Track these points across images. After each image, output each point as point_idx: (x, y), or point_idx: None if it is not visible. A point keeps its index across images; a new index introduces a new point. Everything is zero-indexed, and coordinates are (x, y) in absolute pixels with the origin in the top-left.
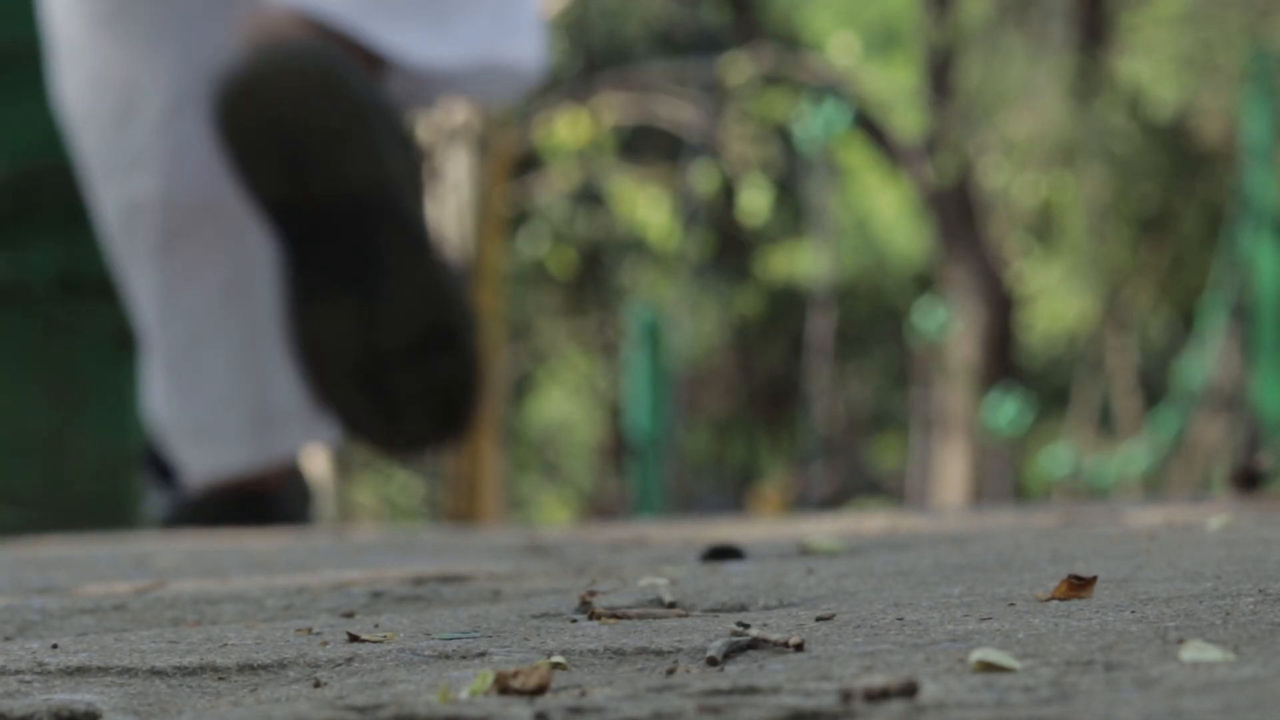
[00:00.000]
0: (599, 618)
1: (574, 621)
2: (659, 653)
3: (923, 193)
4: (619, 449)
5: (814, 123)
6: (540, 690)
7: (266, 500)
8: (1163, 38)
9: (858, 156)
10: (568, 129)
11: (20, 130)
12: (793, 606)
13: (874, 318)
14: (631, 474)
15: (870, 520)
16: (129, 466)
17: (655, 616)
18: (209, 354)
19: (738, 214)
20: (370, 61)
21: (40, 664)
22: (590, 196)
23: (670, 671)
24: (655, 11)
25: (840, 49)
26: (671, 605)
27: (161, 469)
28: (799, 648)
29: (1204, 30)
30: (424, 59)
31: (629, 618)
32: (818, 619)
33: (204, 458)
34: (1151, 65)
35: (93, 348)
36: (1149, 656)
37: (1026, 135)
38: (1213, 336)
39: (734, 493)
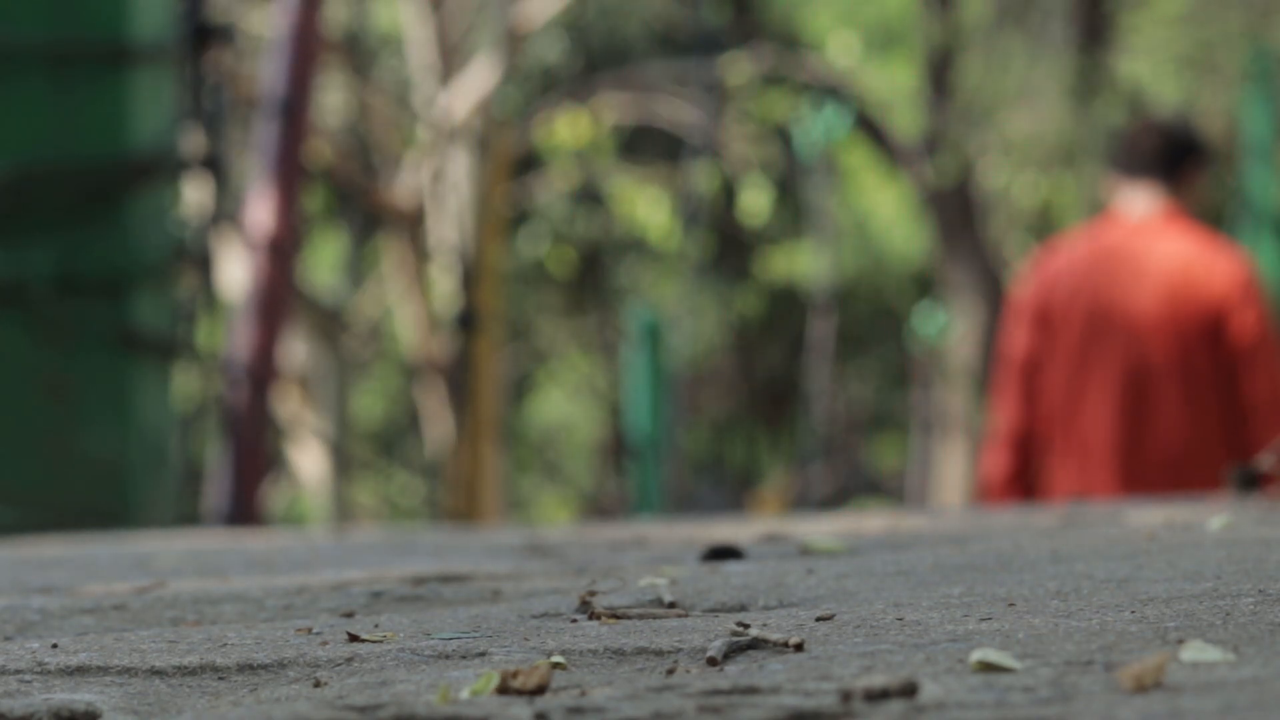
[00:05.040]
0: (599, 618)
1: (574, 621)
2: (659, 653)
3: (923, 193)
4: (619, 449)
5: (814, 127)
6: (540, 690)
7: None
8: (1163, 38)
9: (857, 156)
10: (568, 129)
11: (20, 130)
12: (793, 606)
13: (874, 318)
14: (631, 474)
15: (870, 520)
16: (129, 466)
17: (655, 616)
18: None
19: (738, 214)
20: None
21: (40, 664)
22: (590, 196)
23: (670, 671)
24: (655, 11)
25: (840, 49)
26: (671, 605)
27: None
28: (799, 648)
29: (1204, 30)
30: None
31: (629, 618)
32: (818, 619)
33: None
34: (1151, 65)
35: (93, 348)
36: (1149, 656)
37: (1026, 135)
38: None
39: (734, 493)
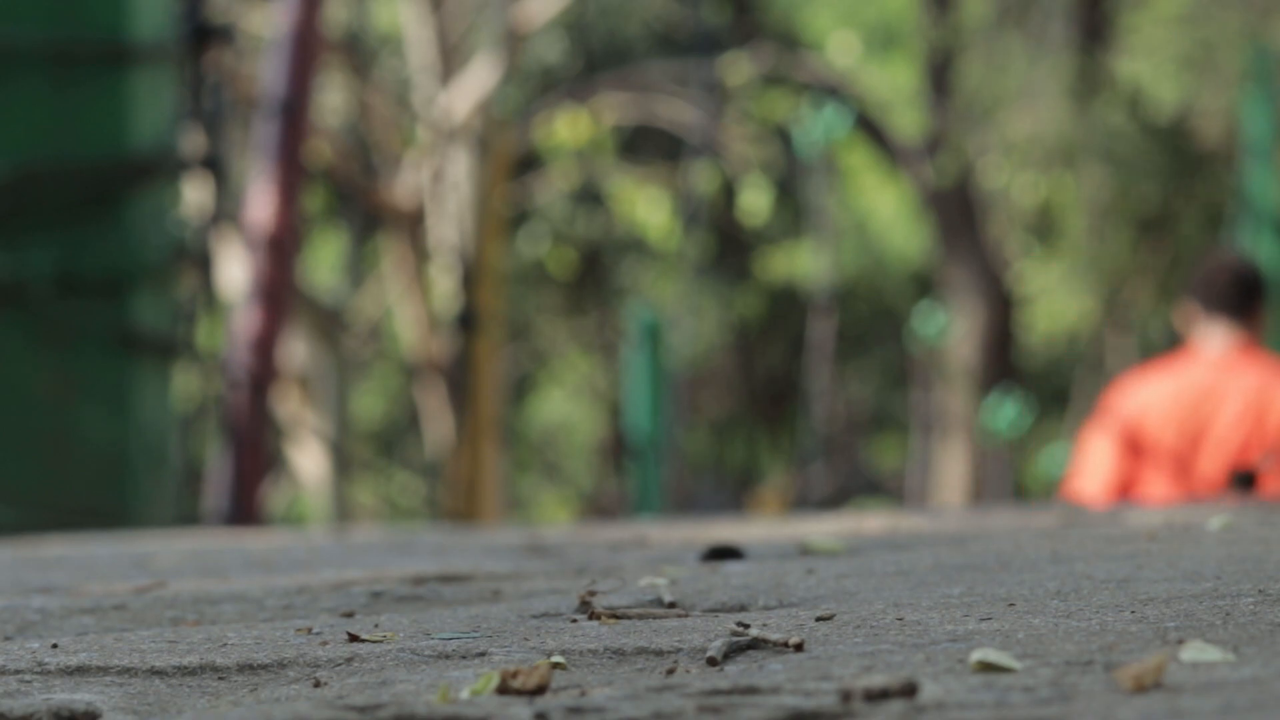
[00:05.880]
0: (599, 618)
1: (574, 621)
2: (659, 653)
3: (923, 193)
4: (619, 449)
5: (814, 127)
6: (540, 690)
7: None
8: (1163, 38)
9: (857, 156)
10: (568, 129)
11: (20, 130)
12: (793, 606)
13: (874, 318)
14: (631, 474)
15: (870, 520)
16: (129, 466)
17: (655, 616)
18: None
19: (738, 214)
20: None
21: (40, 664)
22: (590, 196)
23: (670, 671)
24: (655, 11)
25: (840, 49)
26: (671, 605)
27: None
28: (799, 648)
29: (1204, 30)
30: None
31: (629, 618)
32: (818, 619)
33: None
34: (1151, 65)
35: (93, 348)
36: (1149, 656)
37: (1026, 135)
38: None
39: (734, 493)
